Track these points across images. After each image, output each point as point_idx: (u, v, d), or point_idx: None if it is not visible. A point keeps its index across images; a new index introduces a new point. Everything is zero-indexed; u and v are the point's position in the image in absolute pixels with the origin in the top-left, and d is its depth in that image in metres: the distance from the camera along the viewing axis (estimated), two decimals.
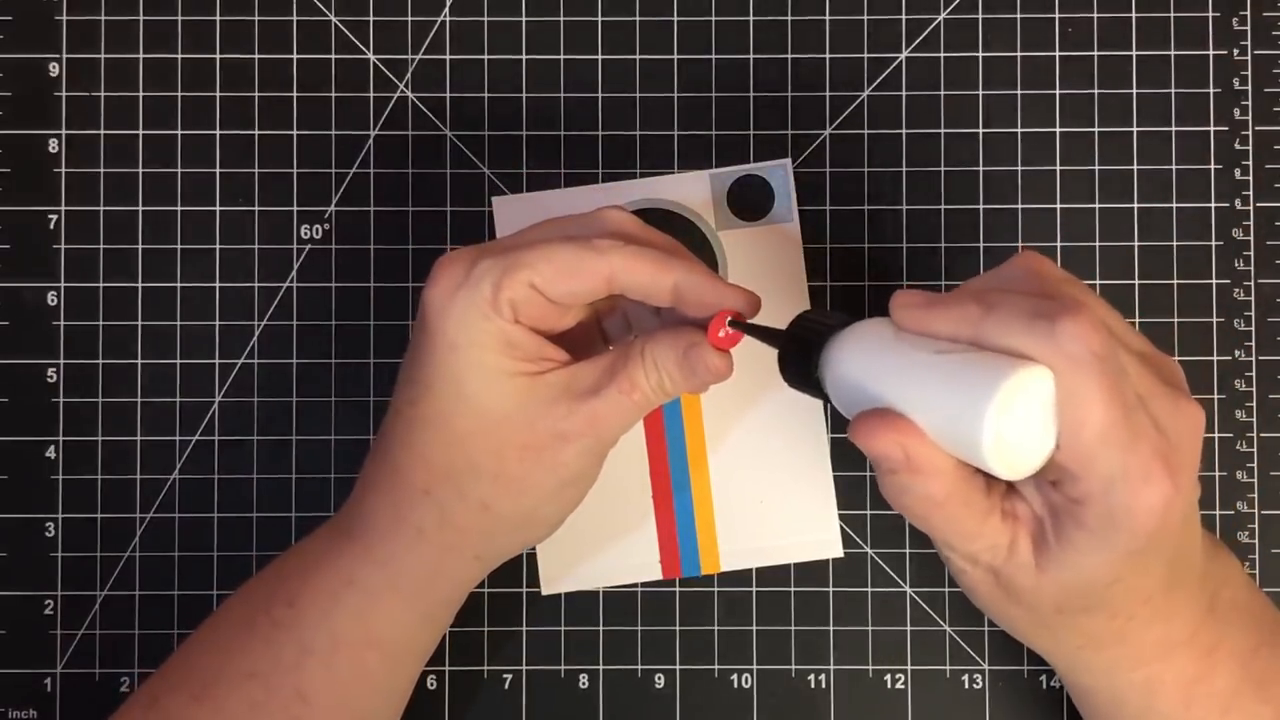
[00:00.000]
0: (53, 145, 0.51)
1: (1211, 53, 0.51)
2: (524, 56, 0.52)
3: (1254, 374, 0.51)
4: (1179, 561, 0.39)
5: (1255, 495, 0.51)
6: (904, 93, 0.51)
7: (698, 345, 0.40)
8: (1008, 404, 0.33)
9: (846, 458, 0.51)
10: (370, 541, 0.42)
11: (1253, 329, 0.51)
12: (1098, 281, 0.51)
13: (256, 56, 0.52)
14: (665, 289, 0.40)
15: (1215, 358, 0.51)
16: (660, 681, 0.51)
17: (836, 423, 0.51)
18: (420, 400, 0.41)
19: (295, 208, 0.51)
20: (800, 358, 0.39)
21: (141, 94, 0.51)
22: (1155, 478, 0.34)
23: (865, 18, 0.52)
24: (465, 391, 0.40)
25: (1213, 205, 0.51)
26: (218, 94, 0.52)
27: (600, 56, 0.52)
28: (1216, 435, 0.51)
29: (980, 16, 0.52)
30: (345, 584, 0.42)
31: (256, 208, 0.51)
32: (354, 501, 0.44)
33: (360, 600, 0.42)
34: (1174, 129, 0.51)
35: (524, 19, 0.52)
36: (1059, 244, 0.51)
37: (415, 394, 0.41)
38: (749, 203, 0.51)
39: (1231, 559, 0.43)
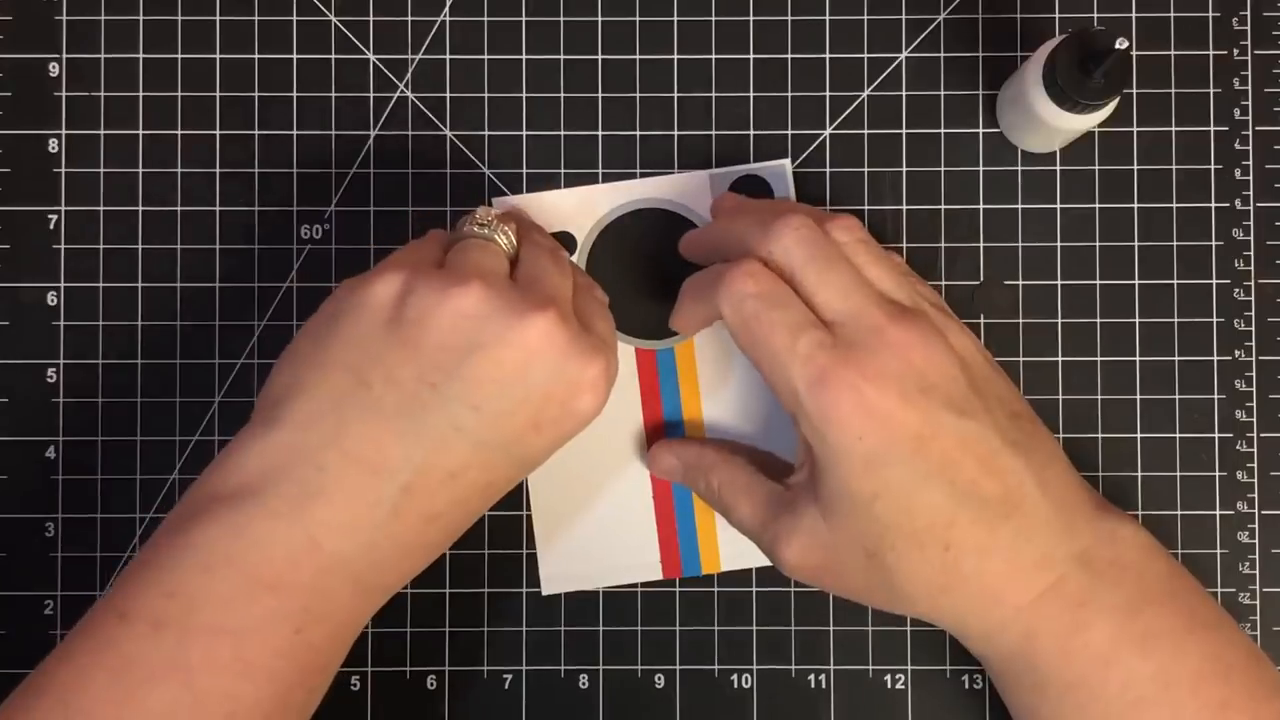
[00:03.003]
0: (53, 145, 0.51)
1: (1211, 53, 0.51)
2: (524, 56, 0.52)
3: (1254, 374, 0.51)
4: (969, 488, 0.40)
5: (1255, 495, 0.51)
6: (904, 93, 0.51)
7: None
8: None
9: None
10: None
11: (1253, 329, 0.51)
12: (1098, 281, 0.51)
13: (256, 56, 0.52)
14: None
15: (1215, 358, 0.51)
16: (660, 681, 0.51)
17: None
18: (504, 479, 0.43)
19: (295, 208, 0.51)
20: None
21: (141, 94, 0.51)
22: (827, 380, 0.40)
23: (865, 18, 0.52)
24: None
25: (1213, 205, 0.51)
26: (218, 94, 0.51)
27: (600, 56, 0.52)
28: (1217, 435, 0.51)
29: (980, 16, 0.52)
30: None
31: (256, 208, 0.51)
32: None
33: None
34: (1174, 129, 0.51)
35: (524, 19, 0.52)
36: (1059, 244, 0.51)
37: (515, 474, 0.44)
38: None
39: (1126, 523, 0.43)
